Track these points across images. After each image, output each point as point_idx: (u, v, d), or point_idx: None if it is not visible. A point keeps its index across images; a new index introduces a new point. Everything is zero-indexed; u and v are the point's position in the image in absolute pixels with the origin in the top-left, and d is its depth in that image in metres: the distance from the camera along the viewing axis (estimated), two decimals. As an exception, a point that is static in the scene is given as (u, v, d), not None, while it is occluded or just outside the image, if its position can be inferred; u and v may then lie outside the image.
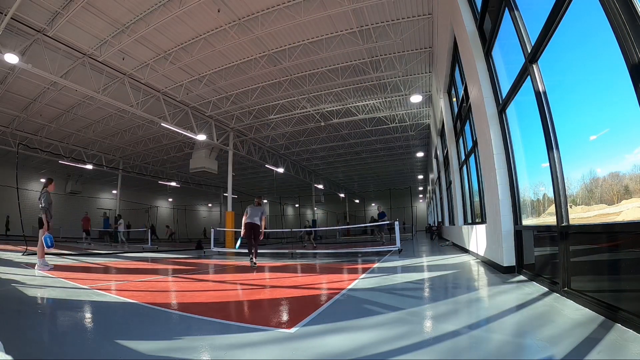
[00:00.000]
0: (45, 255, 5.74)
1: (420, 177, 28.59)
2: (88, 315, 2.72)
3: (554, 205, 2.90)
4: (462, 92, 6.55)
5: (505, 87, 4.12)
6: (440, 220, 16.98)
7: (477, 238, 6.02)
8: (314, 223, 18.25)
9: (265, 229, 7.02)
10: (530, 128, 3.59)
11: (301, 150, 19.71)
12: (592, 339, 1.79)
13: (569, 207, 2.78)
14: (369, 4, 7.61)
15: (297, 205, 38.30)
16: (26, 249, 8.56)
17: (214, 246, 12.08)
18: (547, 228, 3.34)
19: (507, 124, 4.21)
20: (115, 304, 3.09)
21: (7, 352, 1.66)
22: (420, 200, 38.95)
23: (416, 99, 11.68)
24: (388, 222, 12.91)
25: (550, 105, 2.93)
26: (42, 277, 4.70)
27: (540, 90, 3.00)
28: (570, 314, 2.25)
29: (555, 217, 2.87)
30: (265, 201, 35.32)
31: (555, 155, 2.83)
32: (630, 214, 2.14)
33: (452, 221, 11.45)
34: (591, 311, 2.24)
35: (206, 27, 8.33)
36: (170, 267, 6.98)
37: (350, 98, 12.63)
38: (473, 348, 1.77)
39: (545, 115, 2.93)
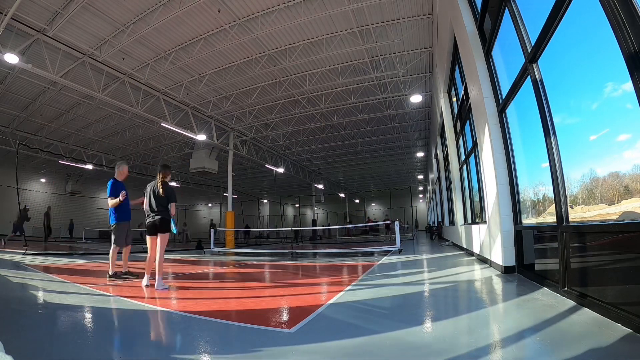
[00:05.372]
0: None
1: (420, 177, 28.58)
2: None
3: (554, 205, 2.90)
4: (462, 92, 6.55)
5: (505, 87, 4.12)
6: (440, 220, 16.98)
7: (477, 238, 6.02)
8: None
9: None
10: (531, 128, 3.59)
11: (301, 150, 19.70)
12: (590, 339, 1.79)
13: (569, 207, 2.78)
14: (369, 4, 7.61)
15: (297, 205, 38.28)
16: (26, 249, 8.55)
17: (214, 246, 12.09)
18: (547, 228, 3.34)
19: (507, 124, 4.21)
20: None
21: (7, 353, 1.66)
22: (420, 200, 38.94)
23: (416, 99, 11.68)
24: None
25: (550, 105, 2.93)
26: (43, 280, 4.70)
27: (540, 90, 3.00)
28: (569, 314, 2.25)
29: (555, 217, 2.87)
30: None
31: (555, 155, 2.83)
32: (631, 214, 2.14)
33: (452, 221, 11.45)
34: (591, 311, 2.24)
35: (206, 27, 8.33)
36: (175, 268, 6.98)
37: (351, 98, 12.63)
38: (472, 350, 1.77)
39: (545, 115, 2.93)
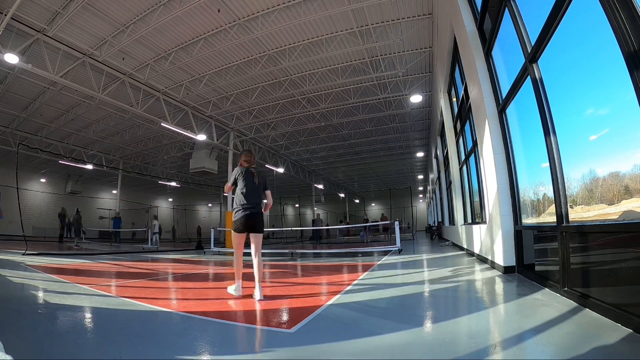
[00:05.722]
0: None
1: (420, 177, 28.58)
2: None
3: (553, 205, 2.90)
4: (462, 92, 6.55)
5: (505, 87, 4.12)
6: (440, 220, 16.98)
7: (477, 238, 6.02)
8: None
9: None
10: (530, 128, 3.59)
11: (301, 150, 19.71)
12: (590, 339, 1.79)
13: (569, 207, 2.78)
14: (369, 4, 7.61)
15: (297, 205, 38.26)
16: (26, 249, 8.55)
17: (214, 246, 12.09)
18: (547, 228, 3.34)
19: (507, 124, 4.21)
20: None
21: (7, 353, 1.66)
22: (420, 200, 38.92)
23: (416, 99, 11.68)
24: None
25: (550, 105, 2.93)
26: (43, 280, 4.70)
27: (540, 90, 3.00)
28: (569, 314, 2.25)
29: (555, 217, 2.87)
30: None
31: (555, 155, 2.83)
32: (631, 214, 2.14)
33: (452, 221, 11.45)
34: (591, 311, 2.24)
35: (206, 27, 8.33)
36: (175, 268, 6.98)
37: (351, 98, 12.63)
38: (473, 351, 1.77)
39: (545, 115, 2.93)
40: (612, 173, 2.37)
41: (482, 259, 5.54)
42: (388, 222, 15.42)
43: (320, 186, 25.83)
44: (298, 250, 10.58)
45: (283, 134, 16.82)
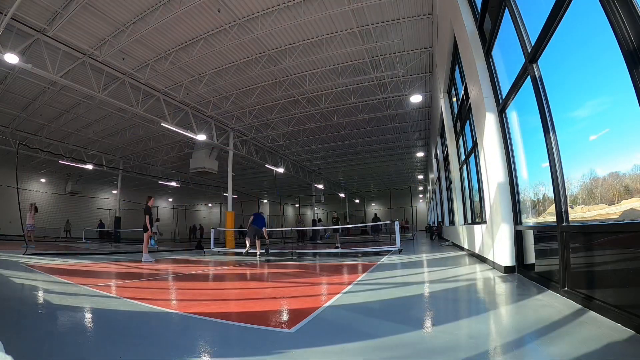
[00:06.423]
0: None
1: (420, 177, 28.58)
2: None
3: (553, 205, 2.90)
4: (462, 92, 6.55)
5: (505, 87, 4.12)
6: (440, 220, 16.98)
7: (477, 238, 6.02)
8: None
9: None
10: (530, 128, 3.59)
11: (301, 150, 19.70)
12: (590, 339, 1.79)
13: (569, 206, 2.78)
14: (369, 4, 7.61)
15: (297, 205, 38.27)
16: (26, 249, 8.55)
17: (214, 246, 12.09)
18: (547, 228, 3.34)
19: (507, 124, 4.21)
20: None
21: (7, 353, 1.66)
22: (420, 200, 38.93)
23: (416, 99, 11.68)
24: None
25: (550, 105, 2.93)
26: (44, 280, 4.70)
27: (540, 90, 3.00)
28: (569, 315, 2.25)
29: (555, 217, 2.87)
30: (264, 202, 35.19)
31: (555, 155, 2.83)
32: (631, 214, 2.14)
33: (452, 221, 11.45)
34: (591, 311, 2.24)
35: (206, 27, 8.33)
36: (175, 268, 6.98)
37: (351, 98, 12.63)
38: (473, 353, 1.77)
39: (545, 115, 2.93)
40: (612, 173, 2.37)
41: (482, 259, 5.54)
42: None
43: (320, 186, 25.82)
44: (298, 250, 10.58)
45: (283, 134, 16.81)
